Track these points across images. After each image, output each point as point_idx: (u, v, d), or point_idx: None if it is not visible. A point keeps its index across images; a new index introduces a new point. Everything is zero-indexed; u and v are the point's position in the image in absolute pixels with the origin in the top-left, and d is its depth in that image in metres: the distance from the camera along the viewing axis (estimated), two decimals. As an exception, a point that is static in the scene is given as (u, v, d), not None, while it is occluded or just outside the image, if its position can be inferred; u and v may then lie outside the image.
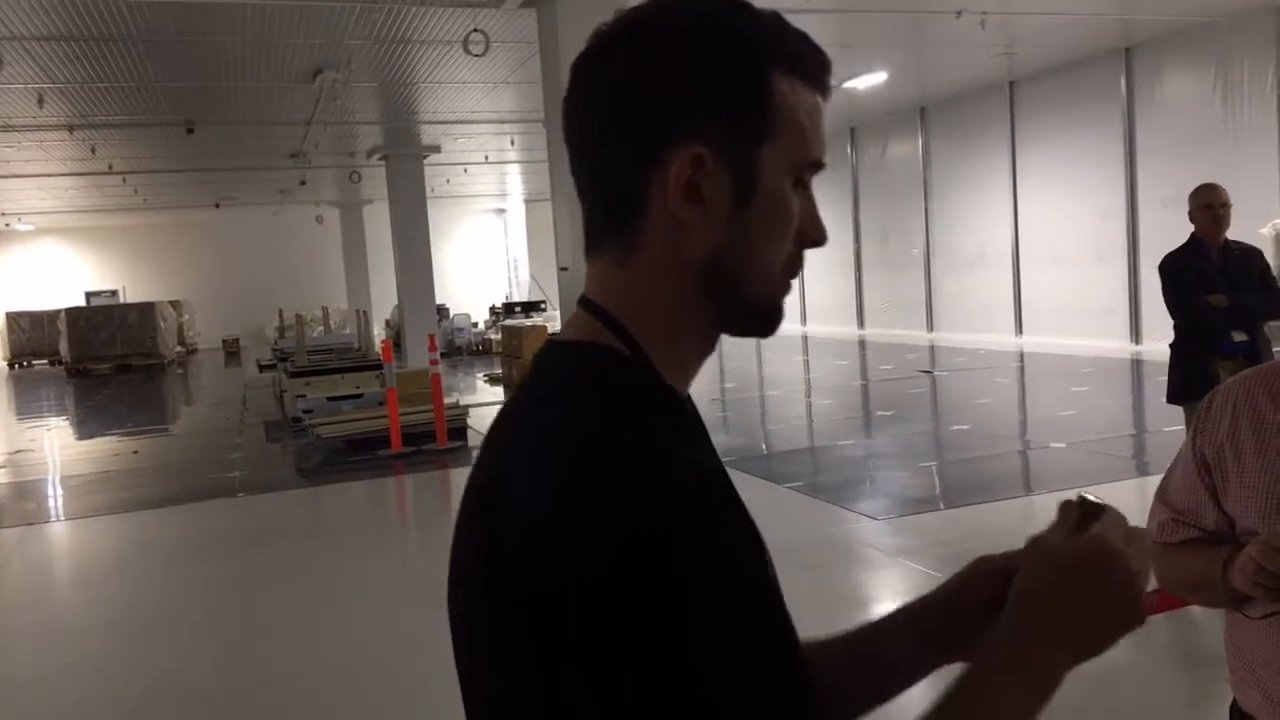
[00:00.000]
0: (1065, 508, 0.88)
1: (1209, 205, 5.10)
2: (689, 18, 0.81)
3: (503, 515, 0.76)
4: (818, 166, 0.84)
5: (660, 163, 0.79)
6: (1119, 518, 0.85)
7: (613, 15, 0.83)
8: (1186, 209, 5.25)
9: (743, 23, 0.81)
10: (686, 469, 0.74)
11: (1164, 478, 1.74)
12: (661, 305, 0.82)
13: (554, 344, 0.86)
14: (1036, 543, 0.86)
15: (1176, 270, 5.24)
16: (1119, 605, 0.82)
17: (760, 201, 0.81)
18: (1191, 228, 5.20)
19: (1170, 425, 7.43)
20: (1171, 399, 5.32)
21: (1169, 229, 10.90)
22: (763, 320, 0.86)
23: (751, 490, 7.70)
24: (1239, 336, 5.03)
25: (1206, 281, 5.09)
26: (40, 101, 12.69)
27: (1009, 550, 0.92)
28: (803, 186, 0.84)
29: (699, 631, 0.69)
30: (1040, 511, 6.81)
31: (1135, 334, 15.29)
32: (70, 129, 14.77)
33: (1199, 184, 5.25)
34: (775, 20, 0.83)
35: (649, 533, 0.69)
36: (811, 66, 0.84)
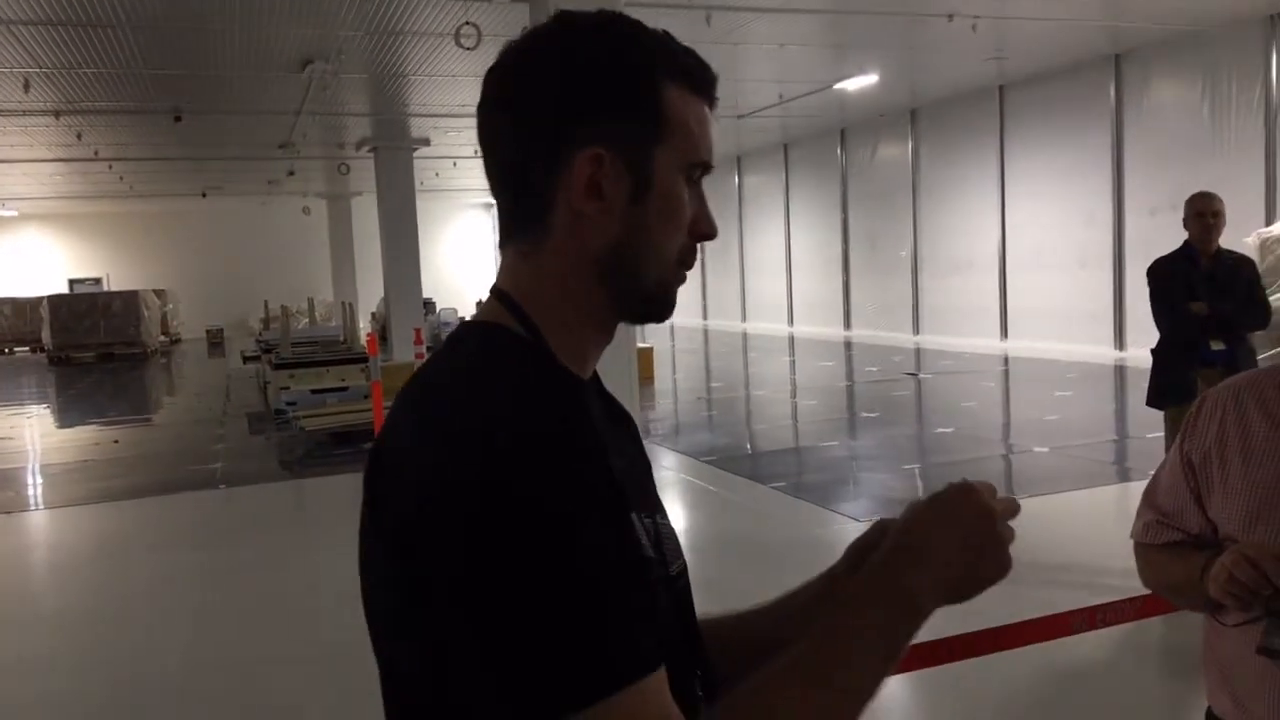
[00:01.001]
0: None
1: (1201, 213, 5.13)
2: (587, 34, 0.91)
3: (385, 469, 0.86)
4: (706, 168, 0.94)
5: (564, 163, 0.88)
6: (989, 486, 0.93)
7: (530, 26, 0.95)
8: (1173, 217, 5.29)
9: (635, 38, 0.91)
10: (548, 426, 0.81)
11: (1152, 479, 1.74)
12: (562, 294, 0.91)
13: (463, 324, 0.98)
14: (912, 503, 0.95)
15: (1162, 276, 5.28)
16: (982, 545, 0.90)
17: (655, 197, 0.90)
18: (1186, 234, 5.23)
19: (1153, 431, 7.47)
20: (1149, 403, 5.36)
21: (1155, 236, 10.99)
22: (657, 306, 0.95)
23: (735, 489, 7.76)
24: (1217, 345, 5.06)
25: (1191, 288, 5.12)
26: (26, 86, 12.58)
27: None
28: (694, 185, 0.93)
29: (559, 554, 0.75)
30: (1022, 515, 6.86)
31: (1120, 340, 15.37)
32: (56, 114, 14.65)
33: (1194, 192, 5.28)
34: (665, 37, 0.93)
35: (505, 478, 0.76)
36: (698, 78, 0.93)
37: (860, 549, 1.05)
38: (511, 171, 0.92)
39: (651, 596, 0.84)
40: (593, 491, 0.79)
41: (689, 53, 0.94)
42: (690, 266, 0.95)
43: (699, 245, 0.95)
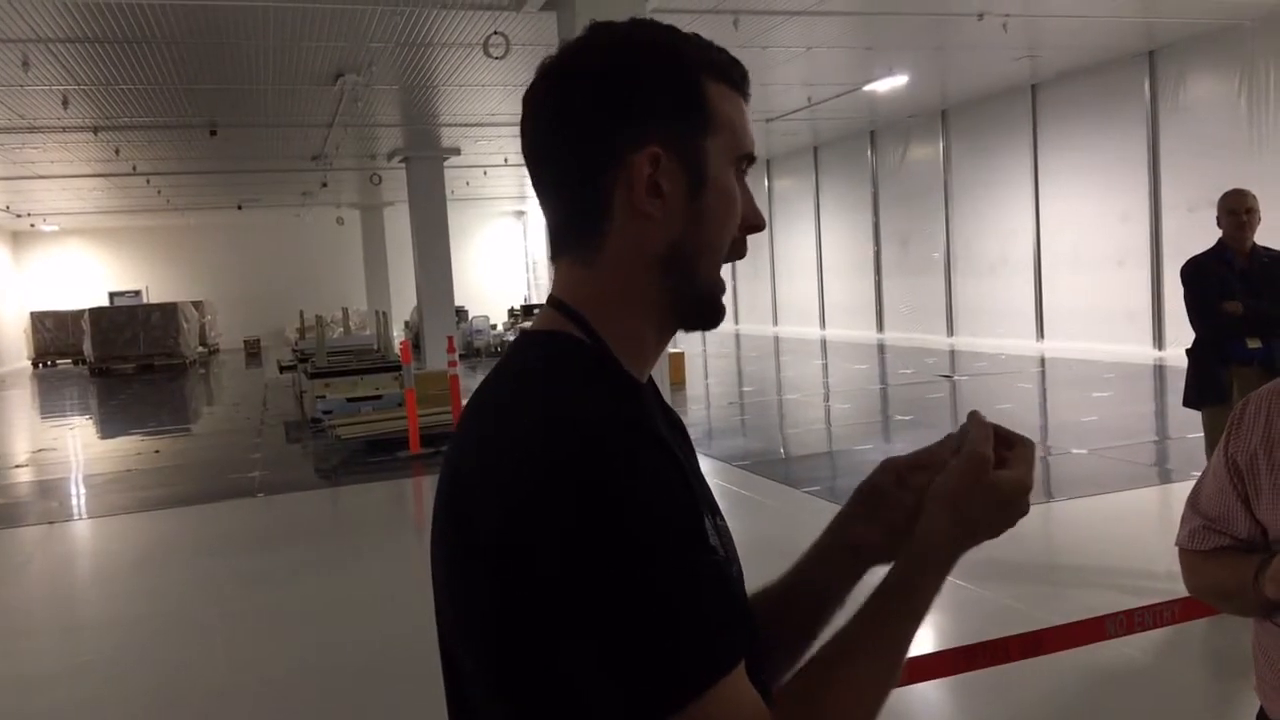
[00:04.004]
0: (978, 421, 0.99)
1: (1234, 210, 5.06)
2: (624, 39, 0.93)
3: (467, 487, 0.87)
4: (751, 159, 0.97)
5: (621, 166, 0.90)
6: (1030, 450, 0.97)
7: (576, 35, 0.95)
8: (1212, 214, 5.22)
9: (672, 39, 0.94)
10: (621, 425, 0.83)
11: (1196, 484, 1.72)
12: (622, 298, 0.93)
13: (523, 333, 0.98)
14: (973, 461, 0.96)
15: (1196, 274, 5.20)
16: (1017, 516, 0.96)
17: (710, 190, 0.92)
18: (1220, 232, 5.16)
19: (1193, 432, 7.36)
20: (1186, 403, 5.29)
21: (1192, 234, 10.82)
22: (709, 308, 0.97)
23: (769, 494, 7.73)
24: (1253, 344, 4.98)
25: (1225, 287, 5.04)
26: (65, 103, 12.81)
27: (914, 452, 1.06)
28: (740, 176, 0.96)
29: (650, 557, 0.77)
30: (1062, 518, 6.77)
31: (1158, 339, 15.16)
32: (94, 130, 14.90)
33: (1227, 189, 5.21)
34: (699, 38, 0.95)
35: (589, 483, 0.78)
36: (734, 73, 0.96)
37: (870, 492, 1.09)
38: (565, 182, 0.93)
39: (731, 588, 0.87)
40: (671, 494, 0.81)
41: (721, 50, 0.96)
42: (741, 257, 0.97)
43: (746, 238, 0.98)
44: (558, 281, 0.96)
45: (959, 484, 0.95)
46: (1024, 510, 0.95)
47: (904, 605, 0.92)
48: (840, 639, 0.91)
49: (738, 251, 0.96)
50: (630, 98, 0.90)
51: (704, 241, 0.93)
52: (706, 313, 0.97)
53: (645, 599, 0.77)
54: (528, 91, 0.95)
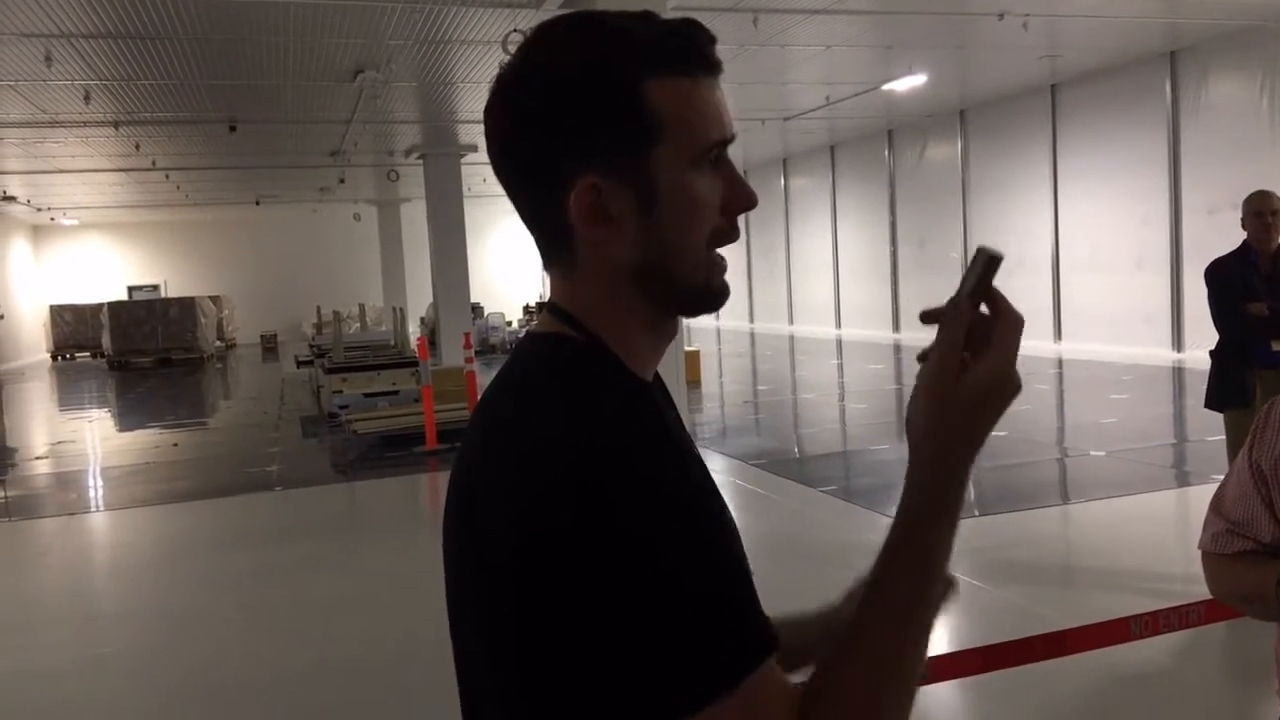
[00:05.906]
0: (981, 255, 0.91)
1: (1259, 212, 5.02)
2: (554, 62, 0.87)
3: (481, 494, 0.86)
4: (723, 144, 0.89)
5: (565, 197, 0.87)
6: (1016, 322, 0.91)
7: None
8: (1232, 216, 5.18)
9: (603, 47, 0.87)
10: (629, 423, 0.83)
11: (1219, 487, 1.70)
12: (608, 308, 0.91)
13: (528, 335, 0.96)
14: (933, 371, 0.90)
15: (1221, 276, 5.17)
16: (1009, 398, 0.87)
17: (664, 203, 0.87)
18: (1244, 234, 5.13)
19: (1212, 435, 7.30)
20: (1208, 405, 5.26)
21: (1213, 236, 10.75)
22: (705, 298, 0.93)
23: (785, 493, 7.71)
24: (1278, 346, 4.94)
25: (1250, 289, 5.01)
26: (86, 98, 12.90)
27: None
28: (715, 165, 0.89)
29: (684, 549, 0.77)
30: (1080, 520, 6.74)
31: (1177, 342, 15.05)
32: (115, 125, 15.00)
33: (1252, 190, 5.17)
34: (644, 24, 0.88)
35: (596, 486, 0.77)
36: (687, 58, 0.88)
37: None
38: (526, 209, 0.93)
39: (751, 583, 0.84)
40: (694, 489, 0.81)
41: (673, 32, 0.88)
42: (732, 240, 0.92)
43: (739, 219, 0.93)
44: (552, 289, 0.96)
45: (926, 406, 0.88)
46: (1016, 388, 0.86)
47: (908, 558, 0.85)
48: (855, 618, 0.85)
49: (727, 237, 0.91)
50: (561, 128, 0.86)
51: (670, 251, 0.89)
52: (702, 302, 0.93)
53: (676, 589, 0.76)
54: (486, 106, 0.91)
